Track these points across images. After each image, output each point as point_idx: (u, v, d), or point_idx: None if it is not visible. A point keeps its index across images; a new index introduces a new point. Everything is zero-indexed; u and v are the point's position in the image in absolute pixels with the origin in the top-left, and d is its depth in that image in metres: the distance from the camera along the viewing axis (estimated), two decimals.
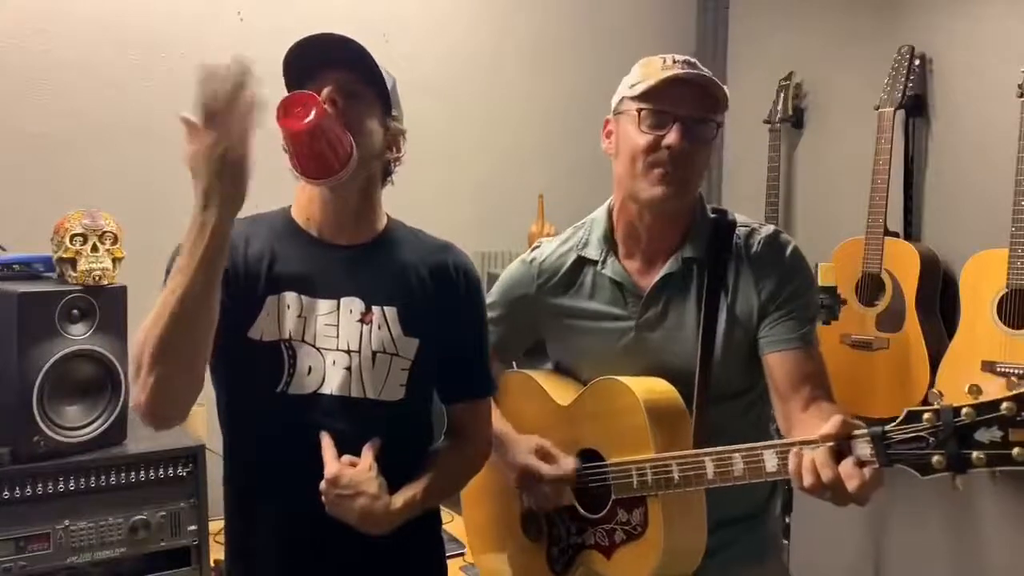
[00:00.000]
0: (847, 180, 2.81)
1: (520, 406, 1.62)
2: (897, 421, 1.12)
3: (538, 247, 1.64)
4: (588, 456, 1.49)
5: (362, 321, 1.34)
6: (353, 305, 1.34)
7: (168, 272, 1.28)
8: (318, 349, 1.31)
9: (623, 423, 1.41)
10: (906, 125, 2.64)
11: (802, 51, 2.99)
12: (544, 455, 1.50)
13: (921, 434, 1.09)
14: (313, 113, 1.21)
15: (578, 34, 3.08)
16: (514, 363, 1.76)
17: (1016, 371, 2.25)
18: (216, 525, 1.90)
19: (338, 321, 1.32)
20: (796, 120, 2.99)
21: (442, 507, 1.55)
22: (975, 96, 2.52)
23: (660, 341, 1.49)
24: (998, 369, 2.28)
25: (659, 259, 1.51)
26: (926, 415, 1.08)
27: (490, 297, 1.65)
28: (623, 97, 1.47)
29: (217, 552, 1.92)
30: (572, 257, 1.57)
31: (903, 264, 2.52)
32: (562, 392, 1.57)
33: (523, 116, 2.98)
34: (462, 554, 2.20)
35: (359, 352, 1.32)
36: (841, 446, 1.15)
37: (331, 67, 1.30)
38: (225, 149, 1.14)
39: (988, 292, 2.32)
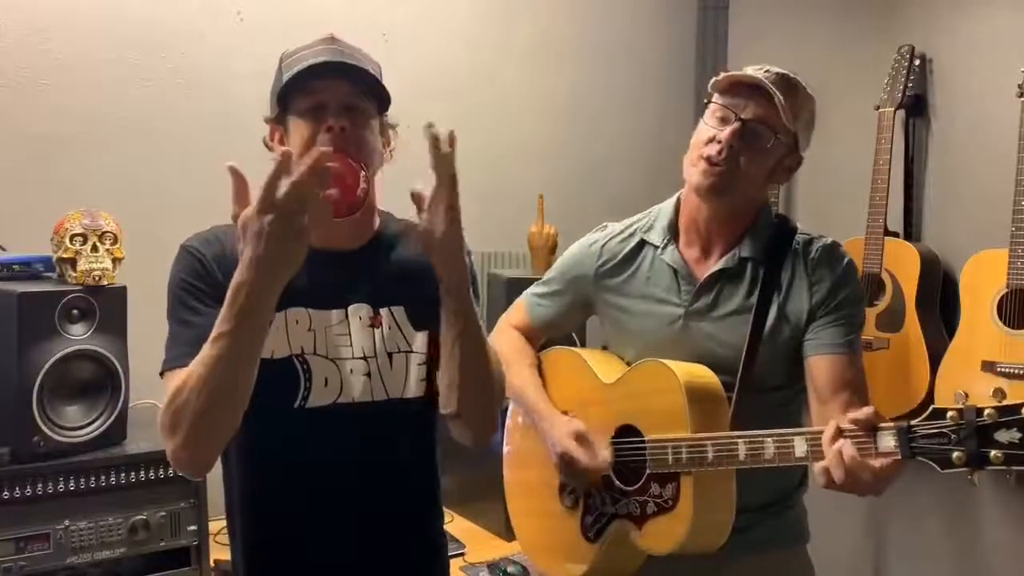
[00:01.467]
0: (847, 180, 2.81)
1: (566, 380, 1.69)
2: (923, 417, 1.19)
3: (604, 228, 1.71)
4: (627, 431, 1.55)
5: (372, 325, 1.34)
6: (362, 312, 1.34)
7: (172, 288, 1.28)
8: (332, 360, 1.30)
9: (663, 402, 1.48)
10: (906, 125, 2.64)
11: (802, 51, 2.98)
12: (583, 442, 1.56)
13: (944, 430, 1.16)
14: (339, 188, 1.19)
15: (578, 35, 3.08)
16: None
17: (1016, 371, 2.25)
18: (216, 525, 1.91)
19: (349, 330, 1.32)
20: None
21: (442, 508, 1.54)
22: (975, 96, 2.52)
23: (707, 330, 1.54)
24: (998, 369, 2.28)
25: (716, 252, 1.57)
26: (950, 413, 1.16)
27: (549, 273, 1.76)
28: (710, 89, 1.54)
29: (217, 552, 1.93)
30: (635, 240, 1.64)
31: (903, 264, 2.52)
32: (607, 370, 1.63)
33: (523, 116, 2.98)
34: (462, 554, 2.21)
35: (375, 357, 1.33)
36: (866, 438, 1.23)
37: (325, 78, 1.28)
38: (281, 228, 1.06)
39: (988, 292, 2.32)
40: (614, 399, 1.59)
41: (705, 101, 1.55)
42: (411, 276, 1.35)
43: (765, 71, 1.49)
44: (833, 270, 1.53)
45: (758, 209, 1.58)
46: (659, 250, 1.60)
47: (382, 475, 1.34)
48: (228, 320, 1.09)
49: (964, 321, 2.39)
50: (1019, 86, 2.24)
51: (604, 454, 1.55)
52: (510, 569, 2.13)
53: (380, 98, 1.33)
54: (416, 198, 1.20)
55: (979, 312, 2.34)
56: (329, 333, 1.31)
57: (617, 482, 1.55)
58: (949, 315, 2.51)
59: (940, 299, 2.55)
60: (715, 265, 1.55)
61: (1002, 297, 2.29)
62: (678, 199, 1.63)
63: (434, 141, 1.17)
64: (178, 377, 1.16)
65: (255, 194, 1.07)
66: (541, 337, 1.78)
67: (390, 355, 1.34)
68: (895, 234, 2.59)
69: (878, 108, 2.57)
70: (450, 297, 1.24)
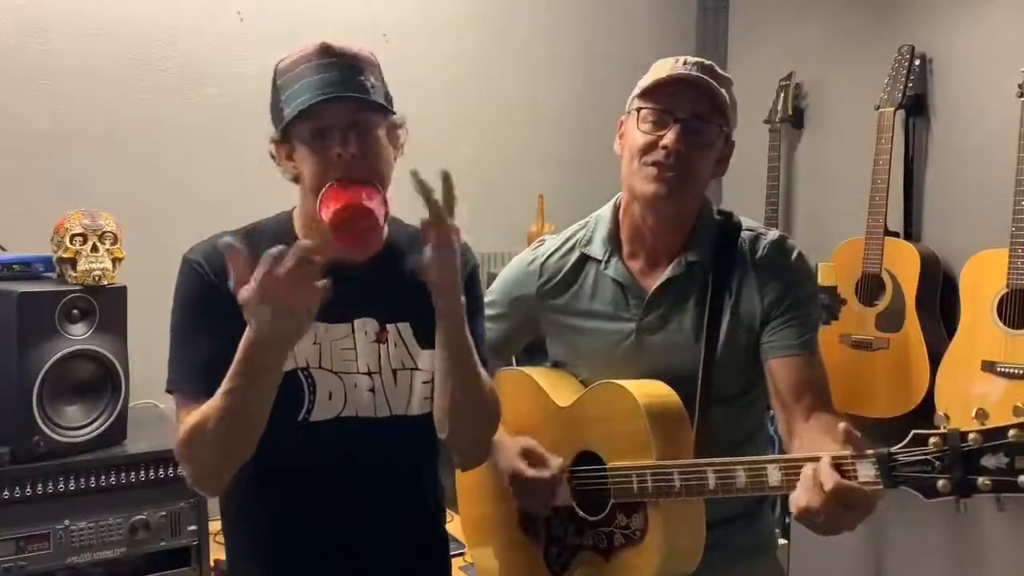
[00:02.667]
0: (847, 180, 2.81)
1: (517, 405, 1.59)
2: (903, 443, 1.12)
3: (541, 244, 1.63)
4: (587, 458, 1.48)
5: (378, 341, 1.32)
6: (368, 326, 1.32)
7: (177, 304, 1.28)
8: (337, 374, 1.29)
9: (624, 428, 1.40)
10: (906, 125, 2.64)
11: (802, 51, 2.98)
12: (531, 458, 1.48)
13: (927, 457, 1.09)
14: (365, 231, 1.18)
15: (578, 34, 3.08)
16: (513, 360, 1.75)
17: (1016, 371, 2.25)
18: (216, 525, 1.90)
19: (355, 344, 1.31)
20: (796, 120, 2.99)
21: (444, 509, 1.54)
22: (975, 96, 2.52)
23: (661, 344, 1.48)
24: (998, 369, 2.28)
25: (662, 261, 1.50)
26: (932, 439, 1.09)
27: (489, 295, 1.64)
28: (632, 96, 1.48)
29: (217, 552, 1.92)
30: (575, 256, 1.56)
31: (903, 264, 2.52)
32: (561, 392, 1.56)
33: (523, 117, 2.97)
34: (462, 553, 2.20)
35: (380, 373, 1.31)
36: (844, 466, 1.14)
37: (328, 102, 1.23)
38: (283, 310, 1.09)
39: (988, 292, 2.32)
40: (570, 423, 1.51)
41: (629, 109, 1.47)
42: (419, 291, 1.29)
43: (684, 63, 1.42)
44: (782, 268, 1.46)
45: (697, 208, 1.51)
46: (602, 264, 1.52)
47: (385, 488, 1.33)
48: (238, 376, 1.13)
49: (964, 321, 2.39)
50: (1019, 86, 2.24)
51: (554, 465, 1.46)
52: None
53: (385, 106, 1.29)
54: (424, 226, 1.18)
55: (979, 312, 2.34)
56: (335, 347, 1.30)
57: (580, 512, 1.47)
58: (949, 315, 2.51)
59: (940, 299, 2.55)
60: (663, 275, 1.48)
61: (1002, 297, 2.29)
62: (616, 206, 1.55)
63: (427, 196, 1.16)
64: (191, 415, 1.20)
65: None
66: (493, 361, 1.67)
67: (395, 372, 1.32)
68: (895, 234, 2.59)
69: (878, 108, 2.57)
70: (442, 325, 1.24)
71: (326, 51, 1.23)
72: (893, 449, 1.12)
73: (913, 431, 1.11)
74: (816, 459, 1.16)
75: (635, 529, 1.40)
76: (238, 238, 1.24)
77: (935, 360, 2.43)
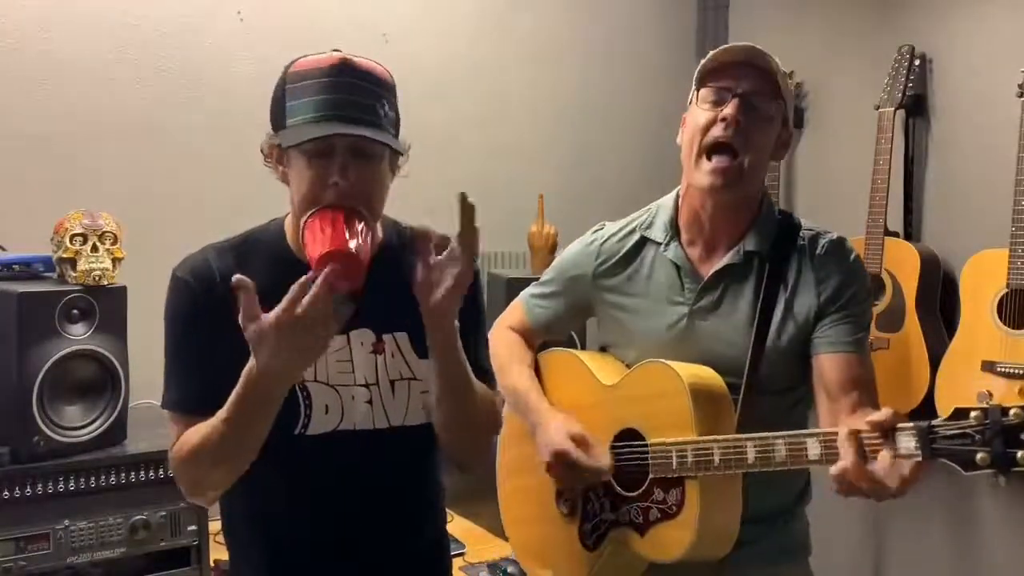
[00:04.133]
0: (847, 180, 2.81)
1: (564, 383, 1.64)
2: (944, 417, 1.14)
3: (601, 228, 1.66)
4: (628, 435, 1.50)
5: (375, 352, 1.30)
6: (364, 337, 1.29)
7: (167, 321, 1.28)
8: (333, 387, 1.27)
9: (666, 405, 1.42)
10: (906, 125, 2.64)
11: (802, 51, 2.98)
12: (581, 443, 1.49)
13: (967, 431, 1.11)
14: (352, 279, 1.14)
15: (578, 34, 3.08)
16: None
17: (1016, 371, 2.25)
18: (216, 525, 1.90)
19: (351, 356, 1.28)
20: (796, 120, 2.99)
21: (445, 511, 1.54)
22: (975, 96, 2.52)
23: (711, 329, 1.50)
24: (998, 369, 2.28)
25: (720, 248, 1.52)
26: (974, 413, 1.11)
27: (547, 274, 1.71)
28: (693, 84, 1.50)
29: (217, 552, 1.92)
30: (635, 238, 1.59)
31: (903, 264, 2.52)
32: (607, 373, 1.58)
33: (524, 116, 2.97)
34: (462, 554, 2.21)
35: (377, 384, 1.29)
36: (885, 439, 1.18)
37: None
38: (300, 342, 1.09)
39: (988, 292, 2.32)
40: (614, 402, 1.53)
41: (690, 99, 1.50)
42: (414, 299, 1.27)
43: (740, 46, 1.46)
44: (841, 266, 1.48)
45: (760, 200, 1.53)
46: (662, 247, 1.54)
47: (384, 498, 1.33)
48: (238, 406, 1.13)
49: (964, 321, 2.39)
50: (1019, 86, 2.24)
51: (604, 459, 1.48)
52: (510, 569, 2.13)
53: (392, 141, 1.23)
54: (420, 238, 1.16)
55: (979, 312, 2.34)
56: (330, 359, 1.27)
57: (618, 488, 1.50)
58: (949, 315, 2.51)
59: (940, 299, 2.55)
60: (720, 262, 1.50)
61: (1002, 297, 2.29)
62: (677, 194, 1.58)
63: (468, 212, 1.16)
64: (186, 435, 1.22)
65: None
66: (539, 338, 1.73)
67: (392, 383, 1.30)
68: (895, 234, 2.59)
69: (878, 108, 2.57)
70: (435, 350, 1.23)
71: (343, 69, 1.18)
72: (934, 422, 1.14)
73: (955, 406, 1.14)
74: (856, 431, 1.20)
75: (671, 504, 1.42)
76: (227, 252, 1.25)
77: (935, 360, 2.43)
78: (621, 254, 1.59)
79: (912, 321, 2.49)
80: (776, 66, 1.46)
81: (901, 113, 2.59)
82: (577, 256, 1.66)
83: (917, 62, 2.58)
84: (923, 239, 2.64)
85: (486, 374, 1.39)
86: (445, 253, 1.17)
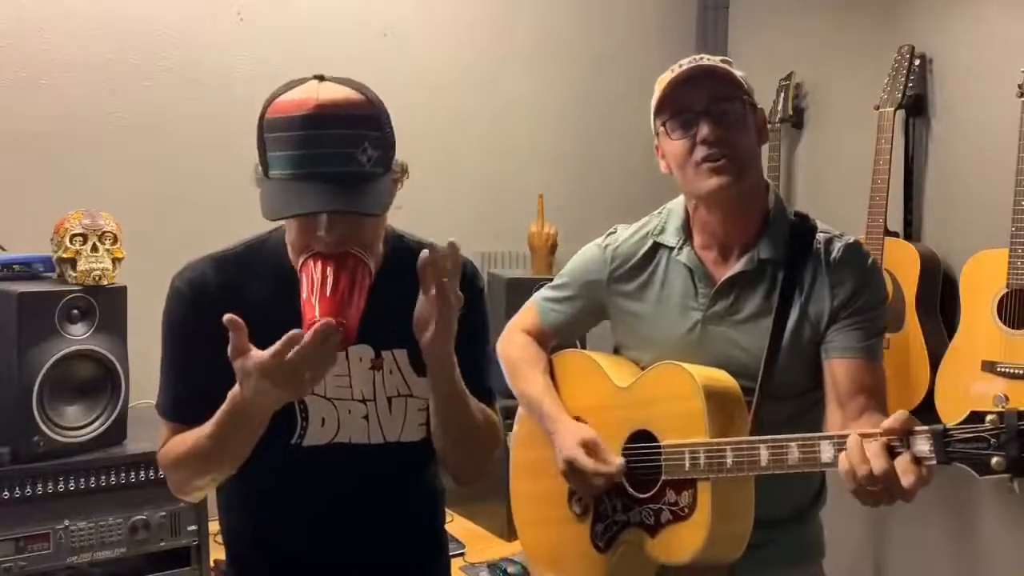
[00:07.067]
0: (847, 180, 2.81)
1: (578, 385, 1.64)
2: (959, 420, 1.13)
3: (613, 232, 1.66)
4: (641, 437, 1.50)
5: (373, 368, 1.30)
6: (363, 353, 1.29)
7: (164, 329, 1.28)
8: (331, 400, 1.28)
9: (680, 407, 1.42)
10: (906, 125, 2.64)
11: (802, 51, 2.99)
12: (591, 449, 1.48)
13: (983, 435, 1.10)
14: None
15: (578, 35, 3.08)
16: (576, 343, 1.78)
17: (1016, 371, 2.25)
18: (216, 525, 1.90)
19: (349, 371, 1.28)
20: (796, 120, 2.99)
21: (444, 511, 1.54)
22: (975, 96, 2.52)
23: (726, 335, 1.50)
24: (998, 369, 2.28)
25: (734, 253, 1.51)
26: (990, 417, 1.10)
27: (561, 278, 1.70)
28: (653, 119, 1.51)
29: (217, 552, 1.92)
30: (648, 244, 1.59)
31: (903, 264, 2.52)
32: (621, 374, 1.58)
33: (523, 116, 2.97)
34: (462, 554, 2.21)
35: (374, 400, 1.29)
36: (898, 442, 1.18)
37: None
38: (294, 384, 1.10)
39: (988, 292, 2.32)
40: (628, 404, 1.53)
41: (656, 131, 1.51)
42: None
43: (677, 66, 1.46)
44: (856, 271, 1.47)
45: (766, 198, 1.52)
46: (674, 251, 1.55)
47: (380, 509, 1.33)
48: (223, 425, 1.15)
49: (964, 321, 2.39)
50: (1019, 86, 2.24)
51: (615, 462, 1.48)
52: (510, 569, 2.13)
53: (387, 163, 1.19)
54: (425, 266, 1.15)
55: (979, 312, 2.34)
56: (329, 374, 1.23)
57: (630, 489, 1.49)
58: (949, 315, 2.51)
59: (940, 299, 2.55)
60: (733, 268, 1.50)
61: (1002, 297, 2.29)
62: (686, 203, 1.58)
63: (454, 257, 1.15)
64: (172, 441, 1.26)
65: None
66: (552, 341, 1.73)
67: (390, 399, 1.30)
68: (895, 234, 2.59)
69: (878, 108, 2.57)
70: (432, 378, 1.24)
71: (318, 120, 1.11)
72: (949, 425, 1.13)
73: (971, 410, 1.13)
74: (870, 435, 1.20)
75: (683, 506, 1.41)
76: (228, 262, 1.26)
77: (935, 360, 2.43)
78: (635, 260, 1.59)
79: (912, 321, 2.49)
80: (717, 61, 1.45)
81: (901, 113, 2.59)
82: (591, 261, 1.66)
83: (917, 62, 2.58)
84: (923, 239, 2.64)
85: (488, 394, 1.40)
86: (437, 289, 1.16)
